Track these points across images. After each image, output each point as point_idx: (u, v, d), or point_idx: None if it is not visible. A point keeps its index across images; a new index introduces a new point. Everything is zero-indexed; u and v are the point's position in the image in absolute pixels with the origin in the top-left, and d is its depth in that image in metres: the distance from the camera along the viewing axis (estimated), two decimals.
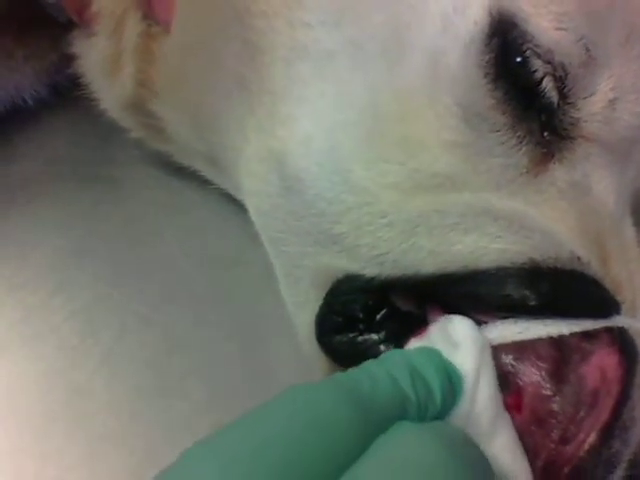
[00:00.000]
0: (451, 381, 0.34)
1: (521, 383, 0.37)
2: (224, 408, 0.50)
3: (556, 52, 0.39)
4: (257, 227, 0.47)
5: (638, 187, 0.47)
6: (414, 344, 0.37)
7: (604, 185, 0.43)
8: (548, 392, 0.37)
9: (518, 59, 0.40)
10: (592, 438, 0.36)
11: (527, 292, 0.38)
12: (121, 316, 0.53)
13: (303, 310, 0.44)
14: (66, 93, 0.57)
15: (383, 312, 0.41)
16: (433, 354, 0.35)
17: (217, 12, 0.45)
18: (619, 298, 0.40)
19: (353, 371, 0.32)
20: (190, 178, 0.57)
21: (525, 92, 0.40)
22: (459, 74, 0.40)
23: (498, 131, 0.40)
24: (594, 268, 0.40)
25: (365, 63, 0.41)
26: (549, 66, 0.40)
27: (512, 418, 0.36)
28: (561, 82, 0.40)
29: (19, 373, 0.51)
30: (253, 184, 0.46)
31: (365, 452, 0.29)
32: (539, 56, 0.40)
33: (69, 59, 0.55)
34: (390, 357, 0.34)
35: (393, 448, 0.30)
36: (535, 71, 0.40)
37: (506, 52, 0.40)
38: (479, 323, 0.38)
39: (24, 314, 0.53)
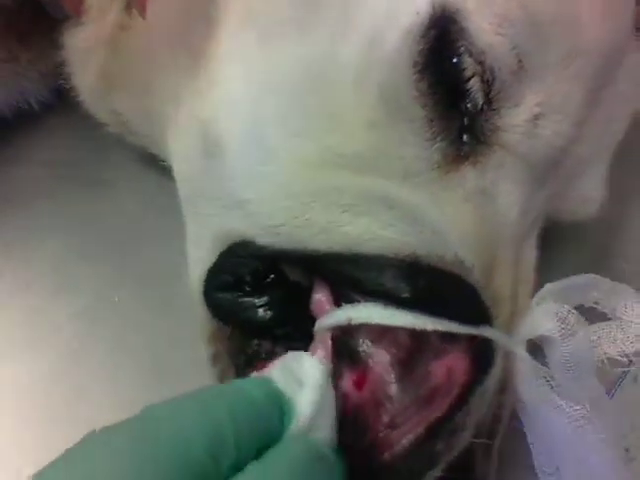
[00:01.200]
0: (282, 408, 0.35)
1: (370, 364, 0.39)
2: None
3: (489, 55, 0.40)
4: (177, 189, 0.49)
5: (554, 212, 0.48)
6: None
7: (511, 198, 0.44)
8: (391, 377, 0.38)
9: (450, 55, 0.41)
10: (419, 431, 0.37)
11: (402, 284, 0.39)
12: (122, 318, 0.54)
13: (198, 266, 0.46)
14: (67, 96, 0.57)
15: (270, 278, 0.43)
16: (265, 382, 0.35)
17: None
18: (495, 311, 0.41)
19: (168, 408, 0.33)
20: None
21: (450, 91, 0.41)
22: (390, 58, 0.41)
23: (414, 122, 0.41)
24: (476, 276, 0.41)
25: (309, 35, 0.43)
26: (479, 67, 0.40)
27: (352, 394, 0.38)
28: (488, 86, 0.41)
29: (21, 375, 0.51)
30: (178, 146, 0.48)
31: None
32: (471, 55, 0.40)
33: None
34: (204, 393, 0.35)
35: None
36: (464, 69, 0.41)
37: (440, 46, 0.41)
38: (354, 300, 0.40)
39: (26, 316, 0.54)
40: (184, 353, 0.52)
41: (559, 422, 0.42)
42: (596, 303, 0.44)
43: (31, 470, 0.44)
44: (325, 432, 0.35)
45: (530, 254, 0.46)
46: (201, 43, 0.46)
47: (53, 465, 0.30)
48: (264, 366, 0.38)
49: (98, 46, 0.53)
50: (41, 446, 0.47)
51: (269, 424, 0.33)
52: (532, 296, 0.44)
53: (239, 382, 0.36)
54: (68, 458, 0.31)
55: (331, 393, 0.36)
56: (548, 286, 0.43)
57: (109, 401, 0.50)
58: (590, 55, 0.43)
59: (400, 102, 0.41)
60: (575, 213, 0.49)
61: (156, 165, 0.57)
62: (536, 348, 0.42)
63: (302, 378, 0.36)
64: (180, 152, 0.48)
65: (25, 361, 0.52)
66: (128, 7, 0.52)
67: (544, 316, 0.42)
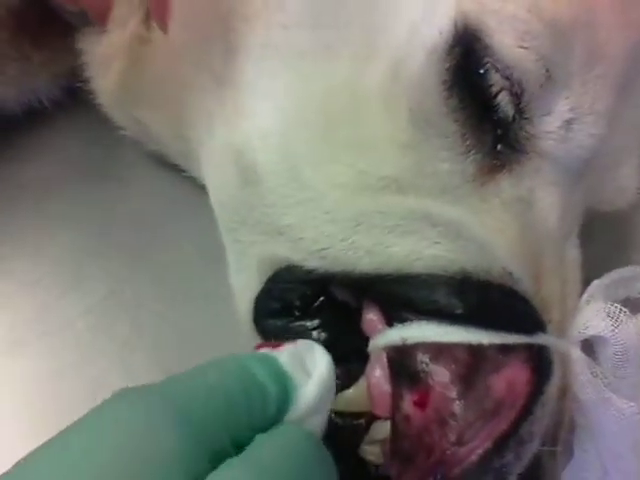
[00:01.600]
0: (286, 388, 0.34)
1: (431, 382, 0.39)
2: None
3: (515, 69, 0.41)
4: (216, 216, 0.49)
5: (590, 204, 0.48)
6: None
7: (549, 202, 0.44)
8: (454, 394, 0.39)
9: (477, 71, 0.42)
10: (487, 446, 0.38)
11: (455, 301, 0.40)
12: (134, 312, 0.55)
13: (245, 293, 0.47)
14: (79, 95, 0.58)
15: (320, 301, 0.44)
16: (274, 362, 0.35)
17: (204, 16, 0.48)
18: (546, 317, 0.42)
19: (182, 382, 0.33)
20: None
21: (480, 104, 0.42)
22: (418, 79, 0.42)
23: (447, 137, 0.42)
24: (525, 285, 0.42)
25: (332, 65, 0.44)
26: (507, 82, 0.41)
27: (414, 414, 0.39)
28: (517, 98, 0.42)
29: (34, 369, 0.52)
30: (213, 175, 0.49)
31: None
32: (498, 70, 0.41)
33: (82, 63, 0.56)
34: (223, 363, 0.34)
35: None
36: (492, 85, 0.41)
37: (466, 63, 0.42)
38: (406, 319, 0.41)
39: (38, 311, 0.54)
40: (197, 345, 0.53)
41: (613, 419, 0.42)
42: None
43: None
44: (317, 427, 0.36)
45: (573, 253, 0.47)
46: (223, 68, 0.47)
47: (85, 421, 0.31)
48: (278, 345, 0.38)
49: (119, 55, 0.54)
50: None
51: (265, 405, 0.33)
52: (580, 294, 0.45)
53: (243, 359, 0.35)
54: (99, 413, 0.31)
55: (333, 389, 0.37)
56: (596, 283, 0.44)
57: None
58: (613, 53, 0.43)
59: (431, 120, 0.42)
60: (612, 203, 0.49)
61: (165, 163, 0.58)
62: (587, 347, 0.43)
63: (310, 367, 0.36)
64: (216, 181, 0.48)
65: (37, 356, 0.53)
66: (147, 20, 0.53)
67: (595, 315, 0.43)
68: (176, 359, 0.52)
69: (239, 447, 0.32)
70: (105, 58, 0.54)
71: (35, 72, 0.57)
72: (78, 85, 0.56)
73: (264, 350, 0.37)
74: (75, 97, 0.59)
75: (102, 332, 0.54)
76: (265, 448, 0.32)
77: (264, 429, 0.33)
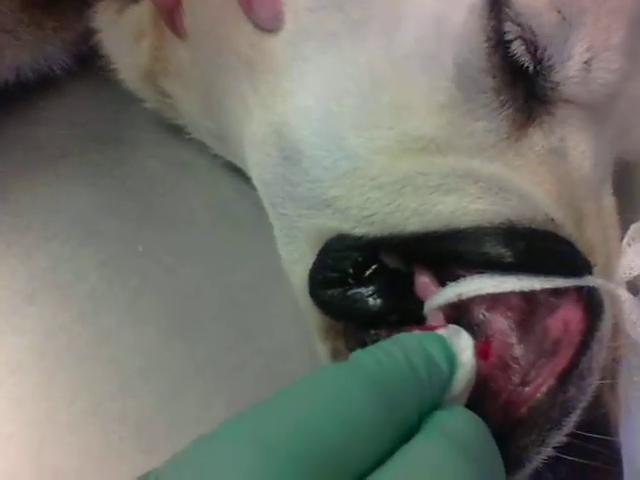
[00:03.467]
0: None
1: (490, 331, 0.42)
2: (244, 350, 0.56)
3: (526, 15, 0.44)
4: (259, 193, 0.52)
5: (619, 153, 0.51)
6: None
7: (581, 150, 0.47)
8: (513, 339, 0.41)
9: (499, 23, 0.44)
10: (550, 382, 0.41)
11: (503, 250, 0.42)
12: (146, 265, 0.58)
13: (298, 266, 0.49)
14: (89, 61, 0.62)
15: (372, 268, 0.46)
16: (444, 343, 0.37)
17: (222, 8, 0.50)
18: (592, 260, 0.44)
19: (375, 354, 0.35)
20: None
21: (506, 54, 0.44)
22: (463, 36, 0.44)
23: (485, 93, 0.45)
24: (568, 230, 0.44)
25: (365, 40, 0.46)
26: (519, 29, 0.44)
27: (479, 364, 0.41)
28: (532, 45, 0.44)
29: (51, 318, 0.55)
30: (256, 156, 0.51)
31: (391, 458, 0.32)
32: (511, 19, 0.44)
33: (92, 32, 0.61)
34: (405, 340, 0.36)
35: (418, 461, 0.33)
36: (506, 32, 0.44)
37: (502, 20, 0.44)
38: (458, 277, 0.43)
39: (55, 264, 0.58)
40: (204, 295, 0.57)
41: None
42: None
43: (63, 402, 0.51)
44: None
45: (609, 199, 0.50)
46: (251, 52, 0.49)
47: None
48: (432, 328, 0.40)
49: (148, 32, 0.57)
50: (71, 382, 0.53)
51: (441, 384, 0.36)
52: (620, 238, 0.47)
53: (420, 338, 0.37)
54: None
55: (474, 375, 0.39)
56: (635, 225, 0.47)
57: (134, 343, 0.55)
58: None
59: (474, 76, 0.44)
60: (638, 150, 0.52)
61: (174, 125, 0.62)
62: (634, 289, 0.46)
63: (457, 351, 0.38)
64: (259, 161, 0.51)
65: (53, 305, 0.56)
66: (158, 29, 0.56)
67: (638, 256, 0.45)
68: (185, 308, 0.57)
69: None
70: (133, 36, 0.58)
71: (47, 38, 0.61)
72: (86, 53, 0.61)
73: (416, 332, 0.39)
74: (83, 63, 0.63)
75: (115, 283, 0.57)
76: (454, 422, 0.35)
77: (435, 407, 0.35)
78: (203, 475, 0.29)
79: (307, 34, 0.47)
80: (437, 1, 0.45)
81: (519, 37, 0.44)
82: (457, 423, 0.35)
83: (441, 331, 0.39)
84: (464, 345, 0.38)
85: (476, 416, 0.36)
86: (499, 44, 0.44)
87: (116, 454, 0.51)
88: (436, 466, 0.32)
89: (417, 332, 0.39)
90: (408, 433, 0.33)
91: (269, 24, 0.48)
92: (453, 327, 0.40)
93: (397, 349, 0.35)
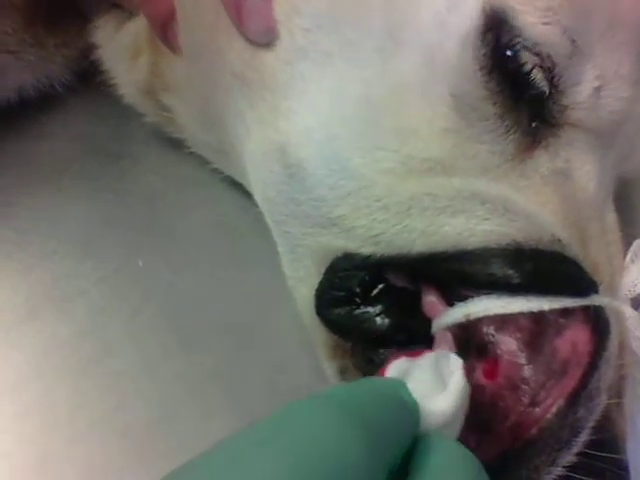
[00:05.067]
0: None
1: (499, 352, 0.42)
2: (245, 363, 0.55)
3: (543, 45, 0.44)
4: (262, 211, 0.52)
5: (620, 173, 0.51)
6: (401, 363, 0.39)
7: (586, 171, 0.47)
8: (522, 360, 0.41)
9: (509, 53, 0.44)
10: (560, 403, 0.41)
11: (511, 271, 0.42)
12: (146, 281, 0.58)
13: (303, 285, 0.49)
14: (90, 77, 0.62)
15: (379, 287, 0.46)
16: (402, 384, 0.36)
17: (221, 15, 0.49)
18: (597, 278, 0.44)
19: (360, 398, 0.33)
20: None
21: (516, 84, 0.44)
22: (455, 66, 0.44)
23: (487, 120, 0.45)
24: (574, 250, 0.45)
25: (361, 61, 0.46)
26: (537, 58, 0.44)
27: (486, 384, 0.41)
28: (549, 72, 0.44)
29: (52, 333, 0.55)
30: (258, 173, 0.51)
31: None
32: (528, 49, 0.44)
33: (92, 47, 0.61)
34: (372, 379, 0.37)
35: None
36: (525, 63, 0.44)
37: (499, 46, 0.44)
38: (466, 297, 0.43)
39: (55, 279, 0.57)
40: (205, 312, 0.56)
41: None
42: None
43: (64, 418, 0.51)
44: (453, 436, 0.38)
45: (611, 217, 0.50)
46: (244, 69, 0.49)
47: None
48: (417, 353, 0.40)
49: (145, 48, 0.57)
50: (72, 398, 0.53)
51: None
52: (623, 255, 0.48)
53: (385, 382, 0.37)
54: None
55: (467, 398, 0.38)
56: (638, 242, 0.47)
57: (135, 358, 0.55)
58: (632, 20, 0.46)
59: (472, 105, 0.44)
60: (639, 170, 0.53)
61: (174, 140, 0.61)
62: (638, 305, 0.46)
63: (446, 376, 0.38)
64: (262, 178, 0.50)
65: (53, 320, 0.55)
66: (154, 44, 0.55)
67: None
68: (186, 322, 0.56)
69: None
70: (130, 52, 0.57)
71: (50, 57, 0.60)
72: (87, 69, 0.60)
73: (403, 359, 0.38)
74: (85, 79, 0.63)
75: (114, 300, 0.57)
76: (443, 470, 0.33)
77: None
78: None
79: (304, 53, 0.47)
80: (432, 29, 0.45)
81: (536, 65, 0.44)
82: (447, 472, 0.33)
83: (429, 355, 0.39)
84: (453, 367, 0.38)
85: (466, 452, 0.35)
86: (493, 70, 0.44)
87: (117, 469, 0.51)
88: None
89: (404, 358, 0.39)
90: (391, 469, 0.32)
91: (261, 38, 0.48)
92: (441, 351, 0.40)
93: (366, 384, 0.35)
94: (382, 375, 0.38)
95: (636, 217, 0.57)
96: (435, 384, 0.37)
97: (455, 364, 0.39)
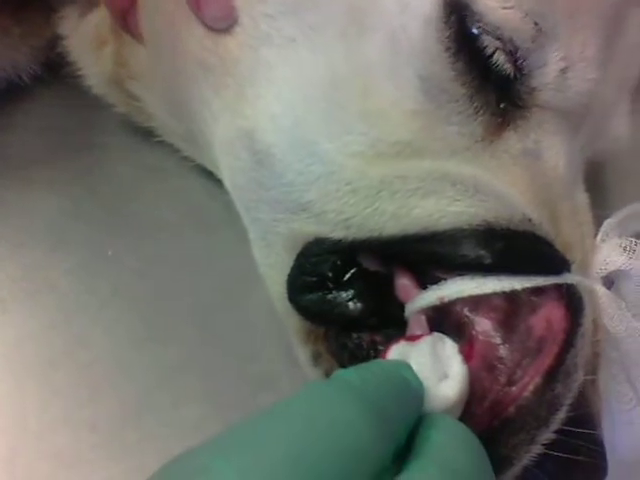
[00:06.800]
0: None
1: (474, 332, 0.41)
2: (216, 352, 0.55)
3: (504, 29, 0.43)
4: (233, 198, 0.50)
5: (591, 154, 0.51)
6: (401, 346, 0.39)
7: (555, 151, 0.47)
8: (497, 340, 0.41)
9: (471, 36, 0.43)
10: (536, 380, 0.40)
11: (482, 252, 0.42)
12: (116, 271, 0.57)
13: (275, 271, 0.48)
14: (57, 68, 0.60)
15: (351, 272, 0.45)
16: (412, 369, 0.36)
17: (180, 2, 0.48)
18: (569, 257, 0.44)
19: (357, 371, 0.33)
20: None
21: (482, 65, 0.44)
22: (420, 48, 0.43)
23: (456, 101, 0.44)
24: (545, 229, 0.44)
25: (325, 46, 0.45)
26: (499, 42, 0.43)
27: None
28: (512, 56, 0.43)
29: (22, 326, 0.54)
30: (227, 160, 0.50)
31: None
32: (489, 33, 0.43)
33: (58, 38, 0.59)
34: (379, 362, 0.37)
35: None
36: (486, 47, 0.43)
37: (463, 28, 0.43)
38: (439, 279, 0.42)
39: (24, 271, 0.56)
40: (177, 303, 0.56)
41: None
42: None
43: (34, 411, 0.50)
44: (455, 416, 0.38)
45: (582, 197, 0.49)
46: (211, 58, 0.48)
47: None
48: (415, 337, 0.39)
49: (109, 38, 0.56)
50: (43, 390, 0.52)
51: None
52: (594, 235, 0.47)
53: (391, 364, 0.37)
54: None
55: (467, 384, 0.38)
56: (608, 221, 0.46)
57: (105, 349, 0.54)
58: (596, 3, 0.46)
59: (439, 86, 0.43)
60: (609, 151, 0.53)
61: (143, 130, 0.61)
62: (610, 284, 0.46)
63: (443, 359, 0.38)
64: (231, 165, 0.49)
65: (23, 312, 0.55)
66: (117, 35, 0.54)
67: (612, 251, 0.45)
68: (155, 313, 0.56)
69: None
70: (94, 43, 0.56)
71: (16, 46, 0.59)
72: (54, 60, 0.59)
73: (403, 342, 0.39)
74: (51, 70, 0.61)
75: (84, 291, 0.56)
76: (447, 447, 0.33)
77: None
78: None
79: (268, 40, 0.46)
80: (394, 12, 0.44)
81: (498, 49, 0.43)
82: (451, 450, 0.33)
83: (427, 339, 0.39)
84: (450, 353, 0.38)
85: (469, 432, 0.35)
86: (460, 51, 0.43)
87: (87, 462, 0.50)
88: None
89: (403, 342, 0.39)
90: (397, 448, 0.32)
91: (219, 24, 0.47)
92: (437, 335, 0.40)
93: (375, 367, 0.35)
94: (384, 359, 0.38)
95: (607, 198, 0.56)
96: (434, 366, 0.37)
97: (451, 349, 0.39)
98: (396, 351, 0.38)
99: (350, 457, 0.29)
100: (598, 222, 0.48)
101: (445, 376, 0.37)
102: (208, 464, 0.27)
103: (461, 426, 0.35)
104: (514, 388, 0.40)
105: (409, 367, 0.36)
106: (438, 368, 0.37)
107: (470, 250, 0.42)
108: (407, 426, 0.33)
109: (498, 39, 0.43)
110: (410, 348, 0.38)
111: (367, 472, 0.29)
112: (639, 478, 0.47)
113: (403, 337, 0.40)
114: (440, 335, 0.40)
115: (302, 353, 0.47)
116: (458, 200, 0.43)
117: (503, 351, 0.40)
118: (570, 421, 0.41)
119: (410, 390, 0.35)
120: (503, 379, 0.40)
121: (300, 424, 0.29)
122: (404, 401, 0.34)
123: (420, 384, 0.36)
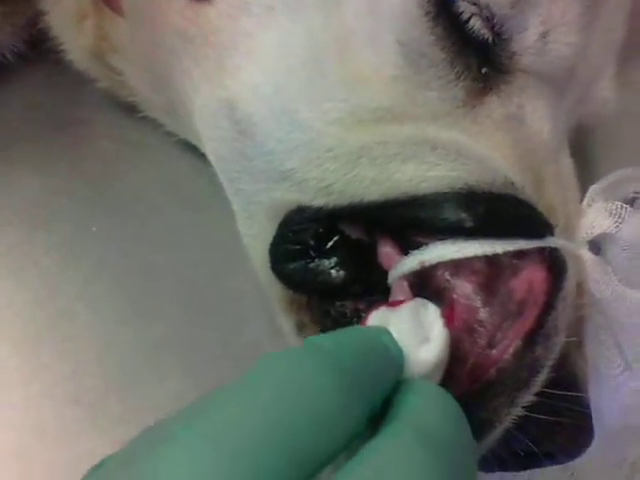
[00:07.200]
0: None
1: (455, 296, 0.40)
2: (200, 327, 0.55)
3: None
4: (216, 169, 0.50)
5: (576, 119, 0.50)
6: (382, 312, 0.38)
7: (539, 116, 0.46)
8: (478, 303, 0.40)
9: (449, 0, 0.43)
10: (517, 343, 0.40)
11: (463, 215, 0.41)
12: (100, 248, 0.57)
13: (258, 241, 0.47)
14: (39, 44, 0.60)
15: (334, 240, 0.44)
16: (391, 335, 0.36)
17: None
18: (552, 221, 0.43)
19: (331, 336, 0.33)
20: None
21: (461, 30, 0.43)
22: (400, 12, 0.43)
23: (436, 66, 0.43)
24: (528, 193, 0.43)
25: (304, 13, 0.45)
26: (475, 7, 0.43)
27: None
28: (489, 21, 0.43)
29: (6, 301, 0.54)
30: (208, 131, 0.49)
31: (358, 455, 0.29)
32: None
33: (40, 15, 0.59)
34: (357, 328, 0.37)
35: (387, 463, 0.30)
36: (462, 12, 0.43)
37: None
38: (421, 244, 0.41)
39: (8, 248, 0.56)
40: (161, 277, 0.56)
41: (630, 311, 0.44)
42: (637, 193, 0.46)
43: (19, 384, 0.50)
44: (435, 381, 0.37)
45: (567, 162, 0.49)
46: (191, 27, 0.47)
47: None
48: (397, 303, 0.39)
49: (89, 12, 0.55)
50: (28, 364, 0.53)
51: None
52: (579, 200, 0.46)
53: (369, 330, 0.36)
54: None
55: (448, 348, 0.37)
56: (594, 186, 0.46)
57: (89, 325, 0.54)
58: None
59: (419, 51, 0.43)
60: (596, 115, 0.52)
61: (127, 105, 0.60)
62: (596, 249, 0.45)
63: (425, 325, 0.37)
64: (213, 136, 0.49)
65: (8, 289, 0.55)
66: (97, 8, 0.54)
67: (598, 215, 0.44)
68: (140, 288, 0.56)
69: None
70: (75, 17, 0.56)
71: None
72: (36, 37, 0.59)
73: (383, 308, 0.38)
74: (35, 47, 0.61)
75: (69, 267, 0.56)
76: (423, 411, 0.32)
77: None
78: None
79: (247, 9, 0.45)
80: None
81: (474, 14, 0.43)
82: (427, 413, 0.32)
83: (408, 304, 0.38)
84: (432, 318, 0.37)
85: (447, 396, 0.34)
86: (439, 16, 0.43)
87: (71, 435, 0.50)
88: (406, 470, 0.29)
89: (383, 308, 0.38)
90: (373, 414, 0.32)
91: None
92: (420, 300, 0.39)
93: (352, 333, 0.34)
94: (363, 325, 0.38)
95: (593, 164, 0.56)
96: (415, 332, 0.36)
97: (434, 314, 0.38)
98: (376, 317, 0.37)
99: (321, 423, 0.28)
100: (584, 188, 0.47)
101: (426, 340, 0.36)
102: (175, 432, 0.27)
103: (440, 390, 0.34)
104: (494, 351, 0.40)
105: (388, 333, 0.36)
106: (419, 333, 0.36)
107: (451, 214, 0.41)
108: (383, 391, 0.33)
109: (474, 4, 0.42)
110: (390, 314, 0.37)
111: (338, 437, 0.29)
112: (627, 444, 0.46)
113: (384, 303, 0.40)
114: (423, 300, 0.39)
115: (286, 322, 0.47)
116: (439, 164, 0.43)
117: (484, 314, 0.40)
118: (553, 383, 0.41)
119: (388, 356, 0.34)
120: (483, 342, 0.40)
121: (270, 390, 0.28)
122: (380, 366, 0.33)
123: (399, 350, 0.35)
